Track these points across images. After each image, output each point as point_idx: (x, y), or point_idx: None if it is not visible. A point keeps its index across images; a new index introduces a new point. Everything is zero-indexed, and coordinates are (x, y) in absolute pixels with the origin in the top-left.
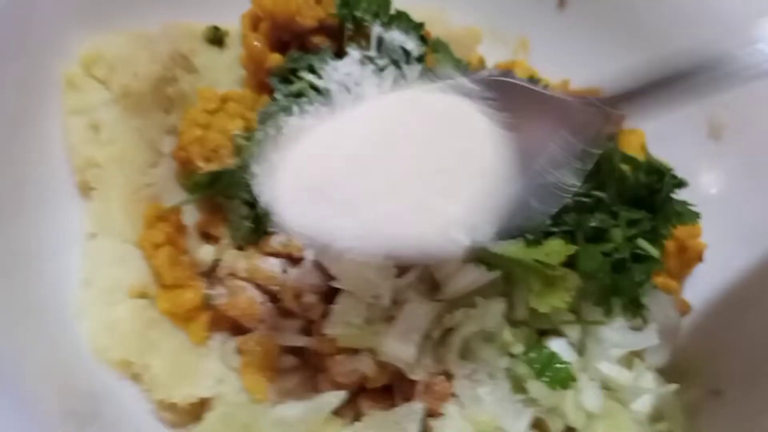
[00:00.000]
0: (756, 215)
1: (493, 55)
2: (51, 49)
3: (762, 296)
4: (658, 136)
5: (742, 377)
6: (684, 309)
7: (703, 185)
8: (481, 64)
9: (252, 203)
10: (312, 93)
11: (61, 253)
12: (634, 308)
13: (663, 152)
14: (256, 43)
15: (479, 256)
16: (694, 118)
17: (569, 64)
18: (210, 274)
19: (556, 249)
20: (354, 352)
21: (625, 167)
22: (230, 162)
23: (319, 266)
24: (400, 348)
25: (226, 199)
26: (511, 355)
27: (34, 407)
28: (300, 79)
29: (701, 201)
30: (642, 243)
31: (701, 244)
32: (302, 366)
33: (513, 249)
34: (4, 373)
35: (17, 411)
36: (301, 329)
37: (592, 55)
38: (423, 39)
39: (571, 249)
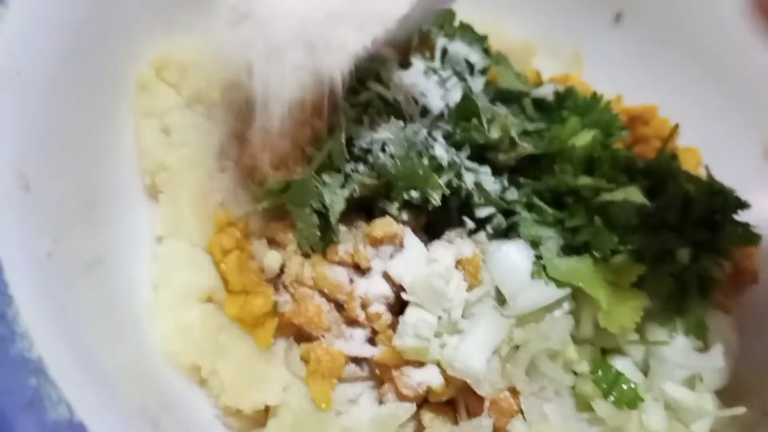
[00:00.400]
0: None
1: (546, 69)
2: (124, 51)
3: None
4: (712, 154)
5: None
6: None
7: (757, 206)
8: (538, 77)
9: (322, 212)
10: (380, 103)
11: (131, 256)
12: (698, 329)
13: (717, 171)
14: None
15: (548, 273)
16: (750, 137)
17: (623, 81)
18: (276, 280)
19: (625, 268)
20: (421, 364)
21: (689, 187)
22: (298, 171)
23: (387, 276)
24: (470, 363)
25: (295, 207)
26: (575, 373)
27: (115, 400)
28: (367, 89)
29: (756, 222)
30: (707, 264)
31: (755, 265)
32: (367, 376)
33: (582, 266)
34: (80, 367)
35: (104, 402)
36: (366, 339)
37: (647, 71)
38: (486, 52)
39: (641, 269)
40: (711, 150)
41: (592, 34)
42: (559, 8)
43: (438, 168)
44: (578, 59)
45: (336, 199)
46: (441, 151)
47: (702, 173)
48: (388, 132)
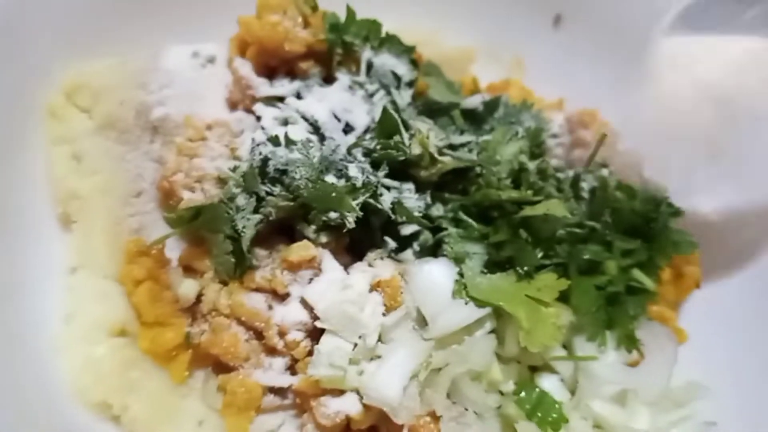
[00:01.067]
0: (755, 238)
1: (487, 75)
2: (35, 77)
3: (759, 321)
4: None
5: (738, 409)
6: (680, 337)
7: (700, 204)
8: (475, 84)
9: (235, 237)
10: (300, 120)
11: (42, 287)
12: (629, 343)
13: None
14: (241, 67)
15: (468, 292)
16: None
17: (565, 83)
18: (194, 309)
19: (548, 284)
20: (339, 392)
21: (619, 195)
22: (215, 193)
23: (305, 302)
24: (384, 391)
25: (209, 233)
26: (501, 393)
27: None
28: (287, 105)
29: (699, 225)
30: (637, 274)
31: (698, 271)
32: (290, 405)
33: (504, 284)
34: None
35: None
36: (286, 368)
37: (589, 74)
38: (414, 62)
39: (564, 284)
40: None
41: (533, 38)
42: (498, 12)
43: (352, 189)
44: (519, 64)
45: (248, 224)
46: (355, 171)
47: (643, 176)
48: (300, 153)
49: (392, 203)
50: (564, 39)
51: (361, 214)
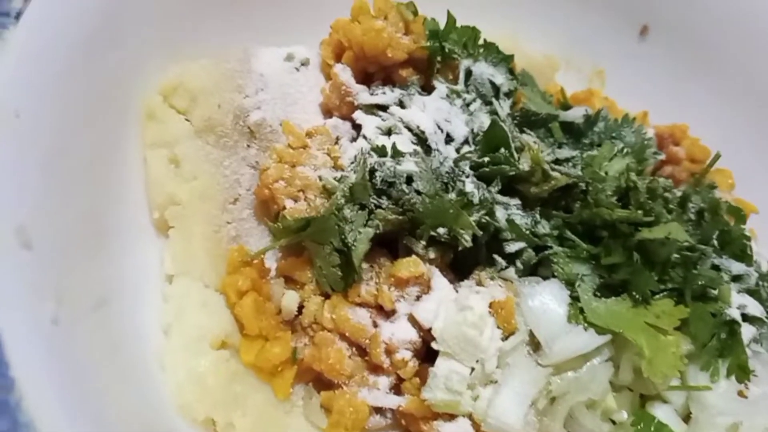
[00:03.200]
0: None
1: (568, 85)
2: (131, 78)
3: None
4: (743, 175)
5: None
6: None
7: None
8: (563, 95)
9: (343, 250)
10: (405, 131)
11: (140, 295)
12: (741, 373)
13: (749, 194)
14: (341, 73)
15: (586, 318)
16: None
17: (648, 96)
18: (293, 322)
19: (666, 310)
20: (451, 417)
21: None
22: (319, 203)
23: (412, 320)
24: (505, 418)
25: (315, 244)
26: (613, 422)
27: None
28: (390, 114)
29: None
30: (749, 301)
31: None
32: (390, 425)
33: (621, 309)
34: (84, 413)
35: None
36: (391, 387)
37: (673, 87)
38: (512, 72)
39: (685, 312)
40: (742, 172)
41: (616, 48)
42: (581, 22)
43: (468, 205)
44: (600, 74)
45: (360, 238)
46: (471, 187)
47: (734, 196)
48: (413, 164)
49: (506, 220)
50: (649, 51)
51: (480, 232)
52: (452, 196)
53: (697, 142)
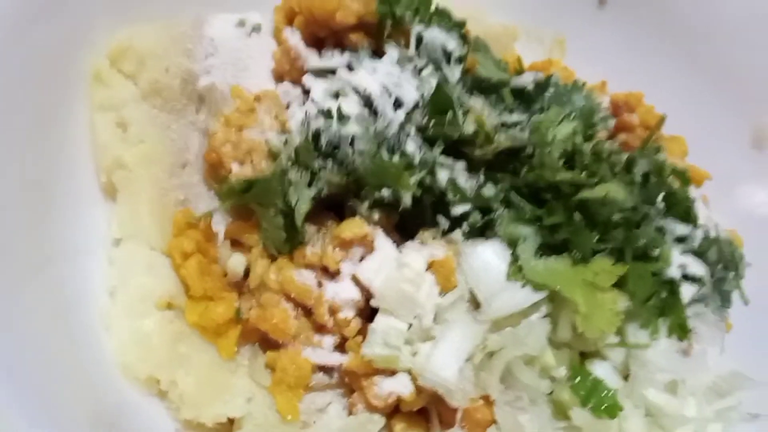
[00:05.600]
0: None
1: (528, 54)
2: (78, 40)
3: None
4: (699, 142)
5: None
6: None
7: (746, 196)
8: (520, 64)
9: (287, 212)
10: (352, 94)
11: (86, 258)
12: (681, 331)
13: (704, 160)
14: (291, 37)
15: (525, 275)
16: (737, 125)
17: (608, 65)
18: (240, 284)
19: (605, 269)
20: (391, 373)
21: (673, 181)
22: (265, 166)
23: (356, 280)
24: (441, 372)
25: (260, 207)
26: (553, 379)
27: (58, 413)
28: (339, 78)
29: (744, 213)
30: (691, 261)
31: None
32: (336, 384)
33: (560, 267)
34: (30, 376)
35: (41, 414)
36: (335, 346)
37: (632, 56)
38: (464, 38)
39: (622, 269)
40: (698, 138)
41: (576, 18)
42: None
43: (410, 166)
44: (561, 44)
45: (302, 198)
46: (413, 147)
47: (688, 162)
48: (356, 126)
49: (448, 181)
50: (608, 21)
51: (419, 192)
52: (396, 158)
53: (651, 109)
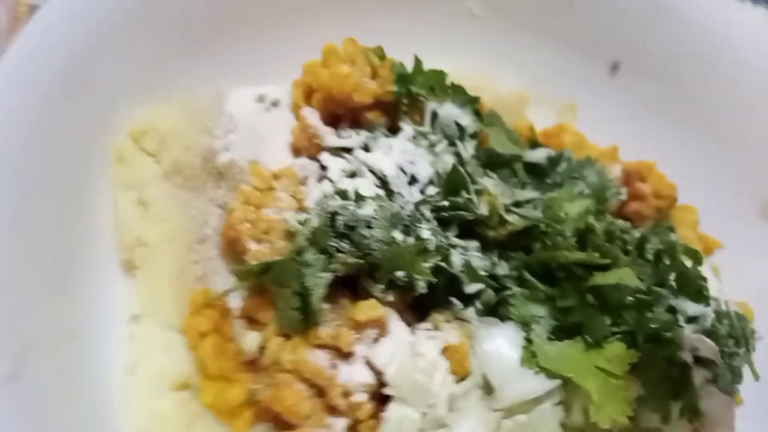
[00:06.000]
0: None
1: (540, 119)
2: (101, 121)
3: None
4: (709, 212)
5: None
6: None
7: (756, 266)
8: (532, 132)
9: (303, 293)
10: (368, 174)
11: (105, 336)
12: (692, 414)
13: (714, 229)
14: (309, 116)
15: (538, 362)
16: (747, 195)
17: (619, 132)
18: (255, 361)
19: (618, 355)
20: None
21: (685, 260)
22: (282, 245)
23: (370, 364)
24: None
25: (276, 287)
26: None
27: None
28: (355, 157)
29: (754, 285)
30: (703, 343)
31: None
32: None
33: (573, 353)
34: None
35: None
36: (349, 428)
37: (643, 123)
38: (477, 113)
39: (635, 356)
40: (708, 208)
41: (587, 84)
42: (553, 57)
43: (424, 251)
44: (572, 109)
45: (318, 282)
46: (427, 233)
47: (699, 232)
48: (372, 208)
49: (462, 264)
50: (620, 87)
51: (434, 279)
52: (409, 241)
53: (663, 178)
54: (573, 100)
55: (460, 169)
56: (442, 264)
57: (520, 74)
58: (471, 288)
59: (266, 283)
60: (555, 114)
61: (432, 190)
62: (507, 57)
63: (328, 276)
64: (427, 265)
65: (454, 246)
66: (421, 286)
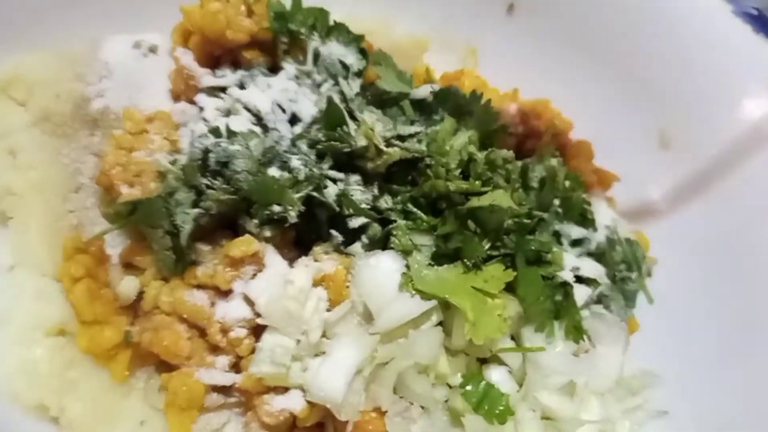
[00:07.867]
0: (704, 227)
1: (442, 64)
2: None
3: (712, 308)
4: (608, 145)
5: (690, 397)
6: (632, 326)
7: (653, 196)
8: (428, 74)
9: (174, 232)
10: (243, 111)
11: None
12: (576, 333)
13: (612, 162)
14: (182, 56)
15: (414, 285)
16: (645, 127)
17: (519, 73)
18: (134, 307)
19: (495, 275)
20: (283, 390)
21: (568, 184)
22: (153, 187)
23: (247, 299)
24: (327, 387)
25: (148, 229)
26: (450, 387)
27: None
28: (229, 96)
29: (651, 213)
30: (586, 263)
31: (651, 259)
32: (230, 404)
33: (450, 276)
34: None
35: None
36: (230, 366)
37: (541, 63)
38: (363, 52)
39: (510, 275)
40: (606, 142)
41: (486, 27)
42: (451, 1)
43: (295, 182)
44: (473, 53)
45: (186, 218)
46: (298, 163)
47: (594, 165)
48: (240, 144)
49: (337, 196)
50: (516, 28)
51: (303, 208)
52: (281, 175)
53: (558, 114)
54: (473, 45)
55: (336, 102)
56: (315, 194)
57: (418, 19)
58: (355, 222)
59: (137, 224)
60: (457, 59)
61: (316, 129)
62: (406, 3)
63: (195, 211)
64: (297, 196)
65: (331, 179)
66: (292, 216)
